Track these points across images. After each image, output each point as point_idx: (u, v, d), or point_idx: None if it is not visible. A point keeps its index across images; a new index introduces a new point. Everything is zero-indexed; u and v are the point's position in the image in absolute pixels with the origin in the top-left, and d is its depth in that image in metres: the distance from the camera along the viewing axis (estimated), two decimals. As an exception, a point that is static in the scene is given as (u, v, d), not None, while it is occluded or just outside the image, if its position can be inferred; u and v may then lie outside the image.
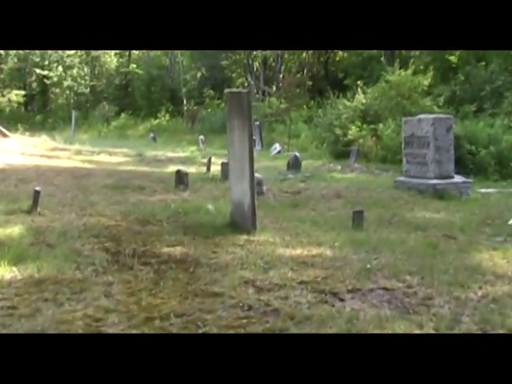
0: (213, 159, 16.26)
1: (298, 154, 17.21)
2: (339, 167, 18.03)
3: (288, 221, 8.93)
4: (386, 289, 5.83)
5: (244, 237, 7.64)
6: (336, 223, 8.81)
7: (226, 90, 8.67)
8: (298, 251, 7.11)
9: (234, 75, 43.44)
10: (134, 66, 43.56)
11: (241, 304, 5.21)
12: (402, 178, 12.89)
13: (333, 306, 5.31)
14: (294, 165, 16.22)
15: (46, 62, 41.82)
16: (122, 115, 39.82)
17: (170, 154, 21.58)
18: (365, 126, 20.84)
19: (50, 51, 40.31)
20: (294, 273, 6.20)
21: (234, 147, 8.14)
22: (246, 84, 40.30)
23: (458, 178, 12.41)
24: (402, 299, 5.57)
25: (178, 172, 12.23)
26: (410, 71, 21.76)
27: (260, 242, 7.45)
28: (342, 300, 5.48)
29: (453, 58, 26.99)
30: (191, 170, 15.84)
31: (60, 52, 40.57)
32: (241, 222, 8.03)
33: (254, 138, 26.19)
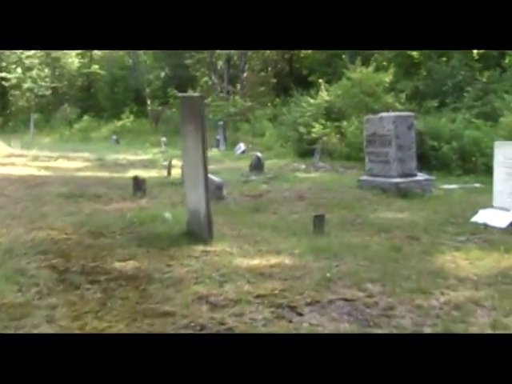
0: (175, 162, 15.95)
1: (260, 154, 16.93)
2: (303, 166, 17.86)
3: (248, 227, 8.68)
4: (346, 300, 5.63)
5: (200, 247, 7.37)
6: (297, 228, 8.59)
7: (179, 94, 8.38)
8: (256, 261, 6.86)
9: (198, 74, 43.02)
10: (96, 66, 42.84)
11: (193, 324, 4.95)
12: (365, 177, 12.73)
13: (290, 321, 5.08)
14: (257, 166, 15.96)
15: (4, 64, 40.93)
16: (85, 117, 39.23)
17: (132, 158, 21.21)
18: (329, 123, 20.72)
19: (7, 52, 39.33)
20: (250, 286, 5.96)
21: (188, 153, 7.87)
22: (210, 83, 40.02)
23: (420, 176, 12.29)
24: (362, 310, 5.37)
25: (136, 178, 11.90)
26: (371, 68, 21.72)
27: (217, 253, 7.18)
28: (300, 314, 5.25)
29: (415, 54, 26.93)
30: (152, 173, 15.59)
31: (18, 53, 39.66)
32: (197, 232, 7.77)
33: (218, 138, 26.19)
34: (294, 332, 4.80)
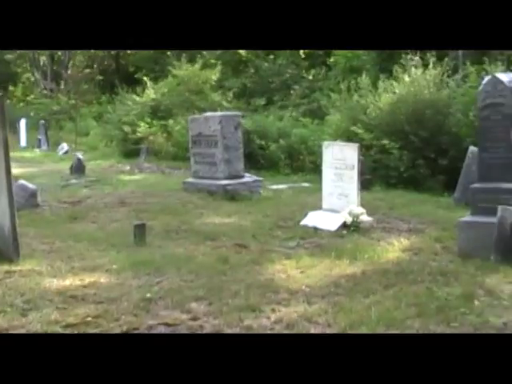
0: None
1: (81, 155, 15.98)
2: (128, 167, 17.15)
3: (62, 240, 7.88)
4: (168, 324, 5.05)
5: (4, 268, 6.49)
6: (117, 239, 7.91)
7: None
8: (68, 281, 6.12)
9: (19, 70, 40.98)
10: None
11: (-17, 368, 4.16)
12: (191, 180, 12.19)
13: (103, 356, 4.41)
14: (78, 168, 14.96)
15: None
16: None
17: None
18: (155, 122, 20.11)
19: None
20: (59, 313, 5.23)
21: (-12, 160, 6.92)
22: (32, 79, 38.33)
23: (248, 177, 11.93)
24: (185, 337, 4.80)
25: None
26: (197, 66, 21.30)
27: (23, 273, 6.34)
28: (114, 346, 4.59)
29: (242, 52, 26.83)
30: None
31: None
32: (2, 249, 6.85)
33: (39, 137, 24.84)
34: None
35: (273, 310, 5.36)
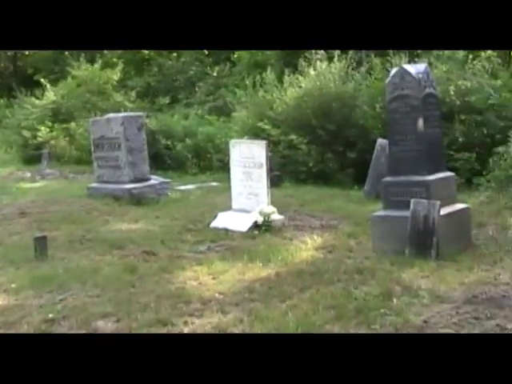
0: None
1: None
2: (29, 174, 16.45)
3: (-47, 259, 7.33)
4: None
5: None
6: (16, 254, 7.45)
7: None
8: (-40, 307, 5.65)
9: None
10: None
11: None
12: (95, 185, 11.72)
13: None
14: (-26, 178, 14.23)
15: None
16: None
17: None
18: (56, 125, 19.41)
19: None
20: None
21: None
22: None
23: (154, 180, 11.57)
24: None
25: None
26: (97, 65, 20.71)
27: None
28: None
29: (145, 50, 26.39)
30: None
31: None
32: None
33: None
34: None
35: (185, 323, 5.13)
